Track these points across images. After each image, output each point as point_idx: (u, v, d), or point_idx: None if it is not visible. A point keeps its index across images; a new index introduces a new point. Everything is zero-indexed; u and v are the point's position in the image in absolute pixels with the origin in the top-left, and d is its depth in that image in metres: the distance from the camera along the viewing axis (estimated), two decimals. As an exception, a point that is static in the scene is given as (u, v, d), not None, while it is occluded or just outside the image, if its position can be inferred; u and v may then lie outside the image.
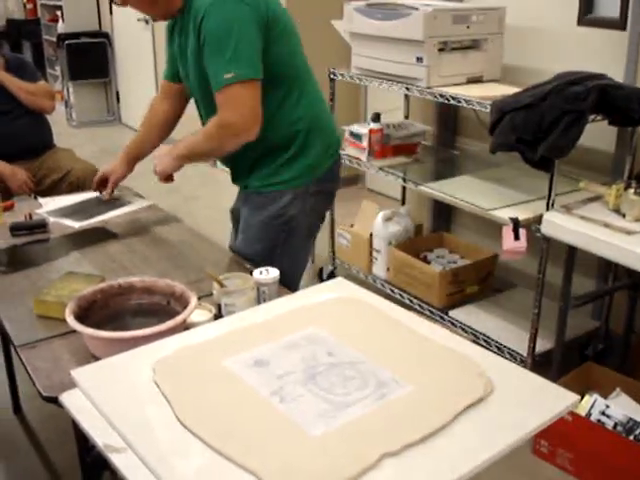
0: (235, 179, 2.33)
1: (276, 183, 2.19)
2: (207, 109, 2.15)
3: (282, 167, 2.18)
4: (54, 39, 7.46)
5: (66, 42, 7.10)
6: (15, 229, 2.34)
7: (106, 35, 7.35)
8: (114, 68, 7.39)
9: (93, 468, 1.42)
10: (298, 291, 1.75)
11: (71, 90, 7.41)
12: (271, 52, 2.02)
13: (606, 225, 2.36)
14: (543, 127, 2.45)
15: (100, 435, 1.21)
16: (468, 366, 1.36)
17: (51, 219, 2.39)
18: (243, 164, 2.23)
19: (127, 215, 2.46)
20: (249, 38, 1.95)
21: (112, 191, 2.50)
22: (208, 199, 5.21)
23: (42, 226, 2.36)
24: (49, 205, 2.54)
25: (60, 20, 7.36)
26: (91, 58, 7.29)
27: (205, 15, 1.94)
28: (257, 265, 1.89)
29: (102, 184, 2.53)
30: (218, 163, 2.42)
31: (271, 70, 2.03)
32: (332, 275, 3.79)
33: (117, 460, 1.15)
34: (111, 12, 7.19)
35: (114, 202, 2.52)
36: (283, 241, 2.23)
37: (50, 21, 7.84)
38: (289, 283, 1.97)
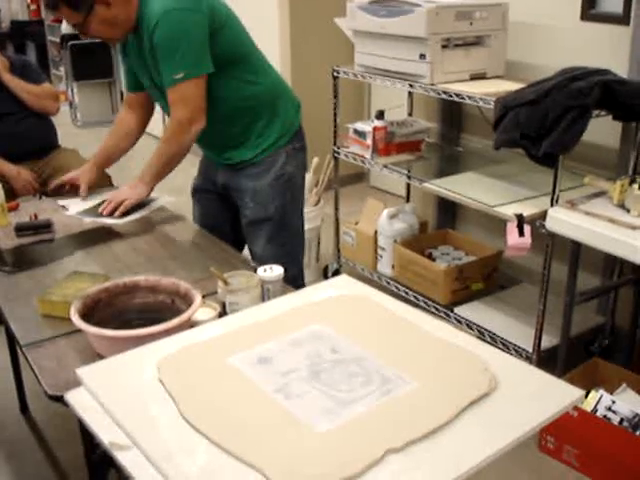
0: (220, 156, 2.52)
1: (267, 147, 2.45)
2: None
3: (264, 132, 2.45)
4: (58, 40, 7.47)
5: (70, 43, 7.09)
6: (20, 229, 2.35)
7: (110, 35, 7.34)
8: (118, 68, 7.39)
9: (99, 466, 1.43)
10: (302, 288, 1.75)
11: (75, 91, 7.41)
12: (219, 40, 2.26)
13: (611, 220, 2.35)
14: (547, 123, 2.45)
15: (105, 433, 1.21)
16: (472, 362, 1.36)
17: (87, 219, 2.43)
18: (228, 142, 2.48)
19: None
20: (195, 39, 2.19)
21: (86, 192, 2.65)
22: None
23: (47, 226, 2.37)
24: (72, 207, 2.55)
25: (64, 21, 7.36)
26: (95, 58, 7.29)
27: (155, 27, 2.17)
28: (275, 228, 2.45)
29: (61, 187, 2.71)
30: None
31: (225, 54, 2.29)
32: (337, 273, 3.79)
33: (122, 458, 1.16)
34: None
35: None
36: (290, 199, 2.51)
37: (54, 22, 7.85)
38: (302, 245, 2.63)
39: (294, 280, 2.32)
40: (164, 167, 2.44)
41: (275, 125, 2.46)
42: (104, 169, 2.82)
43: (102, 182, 3.50)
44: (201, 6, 2.20)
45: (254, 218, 2.48)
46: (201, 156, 2.72)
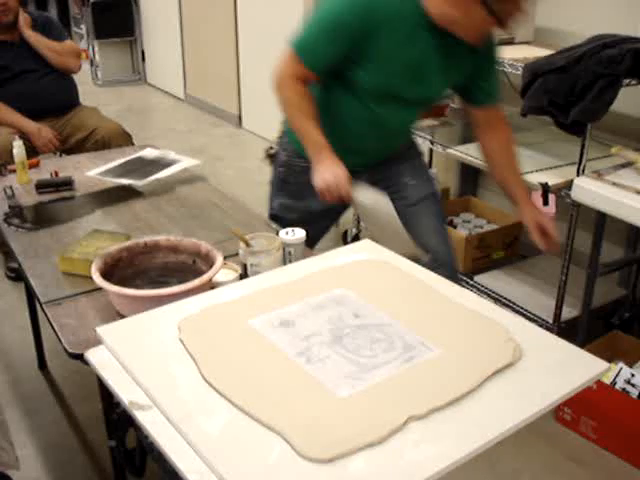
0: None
1: None
2: (410, 116, 2.22)
3: None
4: (79, -4, 7.42)
5: (91, 0, 7.04)
6: (41, 186, 2.34)
7: (132, -7, 7.30)
8: (140, 27, 7.34)
9: (118, 425, 1.43)
10: (324, 252, 1.73)
11: (96, 49, 7.37)
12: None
13: (638, 192, 2.31)
14: (576, 91, 2.40)
15: (125, 392, 1.21)
16: (497, 331, 1.34)
17: (108, 180, 2.38)
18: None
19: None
20: None
21: None
22: (233, 160, 5.20)
23: (68, 184, 2.36)
24: (93, 168, 2.53)
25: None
26: (116, 16, 7.24)
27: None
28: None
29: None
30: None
31: None
32: (357, 238, 3.77)
33: (142, 417, 1.15)
34: (137, -30, 7.13)
35: (159, 161, 2.52)
36: None
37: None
38: None
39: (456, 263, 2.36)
40: None
41: None
42: None
43: (123, 141, 3.50)
44: None
45: (419, 196, 2.30)
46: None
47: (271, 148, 2.32)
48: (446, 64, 2.02)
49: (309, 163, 2.04)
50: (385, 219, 1.98)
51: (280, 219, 2.26)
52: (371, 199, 1.99)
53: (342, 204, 2.12)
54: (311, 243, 2.09)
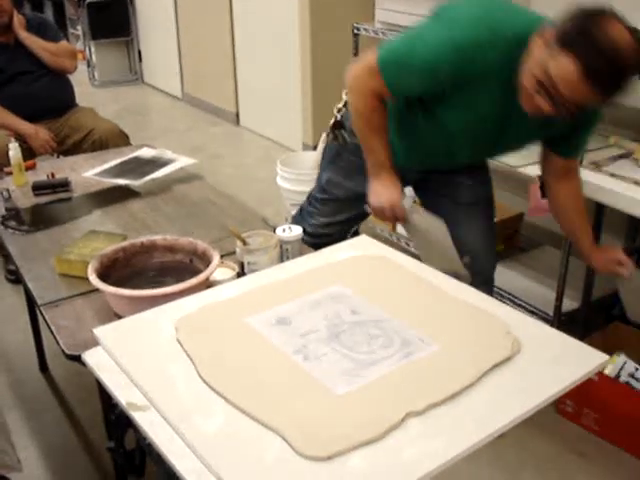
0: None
1: None
2: (486, 155, 2.24)
3: None
4: (75, -2, 7.41)
5: (87, 1, 7.03)
6: (37, 188, 2.34)
7: (127, -7, 7.29)
8: (136, 27, 7.33)
9: (117, 425, 1.42)
10: (321, 249, 1.72)
11: (93, 50, 7.36)
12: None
13: (636, 182, 2.31)
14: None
15: (123, 393, 1.21)
16: (495, 325, 1.34)
17: (104, 180, 2.38)
18: None
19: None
20: None
21: None
22: (231, 158, 5.19)
23: (64, 185, 2.35)
24: (90, 169, 2.53)
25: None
26: (112, 17, 7.22)
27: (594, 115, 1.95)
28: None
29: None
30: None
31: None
32: (356, 233, 3.75)
33: (139, 418, 1.15)
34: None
35: (156, 161, 2.51)
36: None
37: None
38: None
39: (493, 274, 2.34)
40: None
41: None
42: None
43: (120, 141, 3.50)
44: None
45: (473, 198, 2.25)
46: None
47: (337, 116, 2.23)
48: (527, 123, 1.89)
49: None
50: (436, 240, 1.96)
51: (327, 192, 2.26)
52: (426, 222, 1.97)
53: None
54: (347, 228, 2.15)
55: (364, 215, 2.32)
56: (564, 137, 2.02)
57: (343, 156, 2.24)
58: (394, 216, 1.97)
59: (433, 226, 1.97)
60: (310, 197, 2.34)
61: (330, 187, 2.29)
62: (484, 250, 2.23)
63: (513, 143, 2.10)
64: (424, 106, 1.96)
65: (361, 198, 2.13)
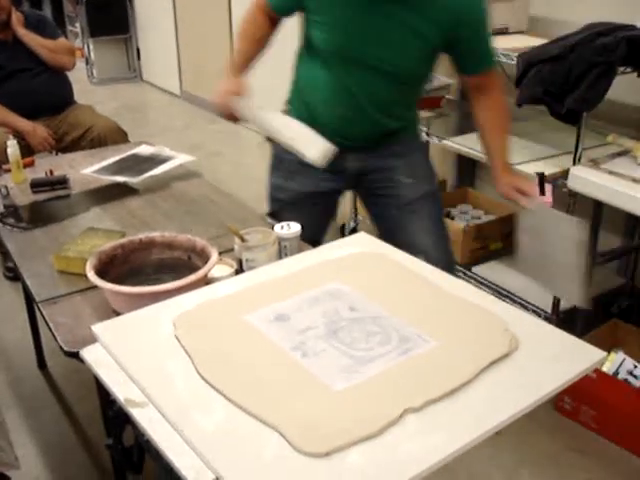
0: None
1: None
2: (382, 87, 2.06)
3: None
4: (74, -5, 7.40)
5: (86, -2, 7.04)
6: (36, 185, 2.33)
7: (126, -10, 7.29)
8: (134, 24, 7.33)
9: (115, 422, 1.42)
10: (319, 246, 1.72)
11: (91, 47, 7.36)
12: None
13: (634, 180, 2.31)
14: (571, 79, 2.39)
15: (121, 390, 1.21)
16: (493, 322, 1.34)
17: (102, 178, 2.38)
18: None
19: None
20: None
21: None
22: (230, 155, 5.19)
23: (63, 182, 2.35)
24: (88, 166, 2.52)
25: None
26: (111, 14, 7.22)
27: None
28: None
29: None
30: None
31: None
32: (354, 231, 3.76)
33: (138, 414, 1.15)
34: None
35: (154, 158, 2.51)
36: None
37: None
38: None
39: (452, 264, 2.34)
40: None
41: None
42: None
43: (119, 139, 3.50)
44: None
45: (414, 196, 2.21)
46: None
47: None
48: (389, 24, 1.94)
49: None
50: (282, 130, 2.00)
51: (274, 201, 2.27)
52: (260, 117, 2.02)
53: (315, 174, 2.12)
54: (310, 236, 1.97)
55: (324, 223, 2.33)
56: (463, 53, 2.06)
57: (283, 158, 2.23)
58: (227, 107, 2.02)
59: (267, 118, 2.01)
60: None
61: (276, 193, 2.29)
62: (434, 246, 2.18)
63: (397, 60, 2.01)
64: (310, 43, 2.07)
65: (306, 200, 2.20)
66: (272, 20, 2.15)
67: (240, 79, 2.06)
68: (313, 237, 2.02)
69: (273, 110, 2.03)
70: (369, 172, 2.22)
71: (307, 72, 2.14)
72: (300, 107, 2.16)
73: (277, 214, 2.17)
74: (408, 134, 2.25)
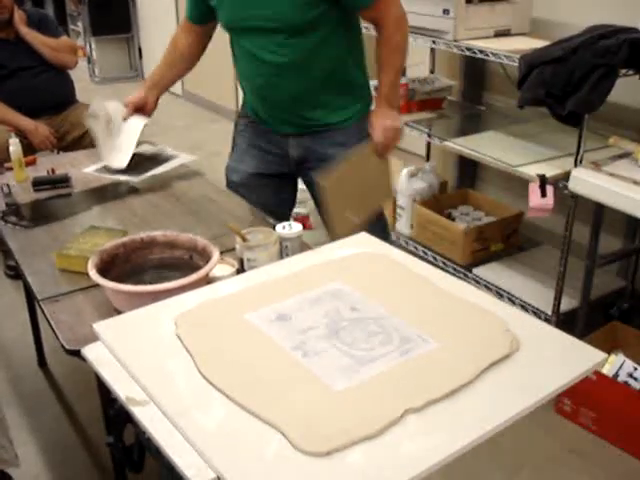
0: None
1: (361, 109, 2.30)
2: (276, 44, 2.10)
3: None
4: (76, -6, 7.41)
5: (88, -3, 7.05)
6: (38, 184, 2.34)
7: (128, -10, 7.29)
8: (136, 23, 7.33)
9: (116, 420, 1.42)
10: (321, 246, 1.72)
11: (93, 46, 7.37)
12: None
13: (636, 182, 2.31)
14: (573, 81, 2.39)
15: (122, 388, 1.21)
16: (494, 323, 1.34)
17: (104, 176, 2.38)
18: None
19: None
20: None
21: (130, 113, 2.42)
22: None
23: (64, 181, 2.35)
24: (90, 165, 2.52)
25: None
26: (113, 13, 7.23)
27: None
28: None
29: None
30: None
31: None
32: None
33: (139, 413, 1.15)
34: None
35: (156, 157, 2.51)
36: None
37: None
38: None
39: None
40: (399, 78, 2.22)
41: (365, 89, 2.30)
42: (159, 95, 2.46)
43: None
44: None
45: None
46: (246, 137, 2.42)
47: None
48: None
49: (247, 121, 2.30)
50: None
51: (229, 184, 2.40)
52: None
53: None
54: (268, 210, 2.12)
55: (278, 206, 2.38)
56: None
57: (237, 140, 2.42)
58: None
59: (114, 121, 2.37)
60: None
61: (230, 174, 2.42)
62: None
63: (278, 14, 2.04)
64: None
65: (256, 181, 2.35)
66: (198, 35, 2.39)
67: (146, 95, 2.38)
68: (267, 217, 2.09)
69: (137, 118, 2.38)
70: (309, 160, 2.29)
71: (235, 61, 2.31)
72: (244, 98, 2.37)
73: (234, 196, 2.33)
74: (351, 122, 2.25)
